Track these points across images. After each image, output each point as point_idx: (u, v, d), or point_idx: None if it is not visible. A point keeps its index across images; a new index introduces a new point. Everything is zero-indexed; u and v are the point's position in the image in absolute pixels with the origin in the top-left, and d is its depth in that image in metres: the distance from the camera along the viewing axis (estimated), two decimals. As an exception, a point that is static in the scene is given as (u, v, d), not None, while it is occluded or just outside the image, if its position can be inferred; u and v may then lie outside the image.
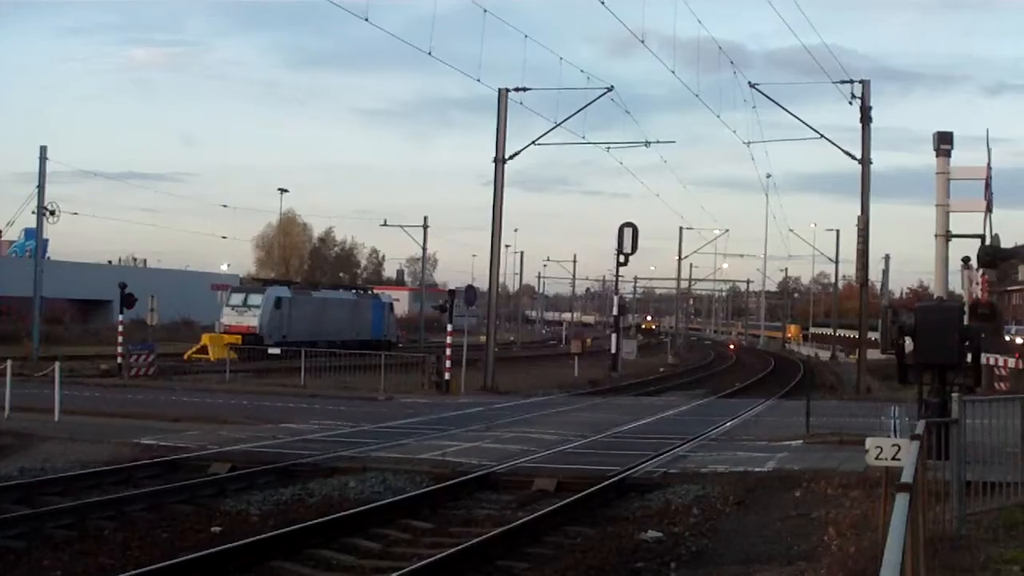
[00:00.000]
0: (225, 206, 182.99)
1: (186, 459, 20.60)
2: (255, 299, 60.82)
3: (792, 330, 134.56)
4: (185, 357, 55.58)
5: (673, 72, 44.18)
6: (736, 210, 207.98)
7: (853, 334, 70.17)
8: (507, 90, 43.43)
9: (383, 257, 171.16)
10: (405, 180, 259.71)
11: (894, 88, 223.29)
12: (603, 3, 33.37)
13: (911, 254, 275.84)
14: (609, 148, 51.18)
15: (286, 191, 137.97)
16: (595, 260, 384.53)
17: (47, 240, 61.18)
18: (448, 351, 41.66)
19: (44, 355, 45.76)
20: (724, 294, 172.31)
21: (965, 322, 20.42)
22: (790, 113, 47.85)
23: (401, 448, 22.39)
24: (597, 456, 21.85)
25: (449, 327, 43.02)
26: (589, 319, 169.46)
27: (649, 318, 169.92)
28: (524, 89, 43.33)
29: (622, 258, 54.27)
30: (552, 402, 37.36)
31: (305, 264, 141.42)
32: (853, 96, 44.34)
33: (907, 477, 8.49)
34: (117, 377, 41.14)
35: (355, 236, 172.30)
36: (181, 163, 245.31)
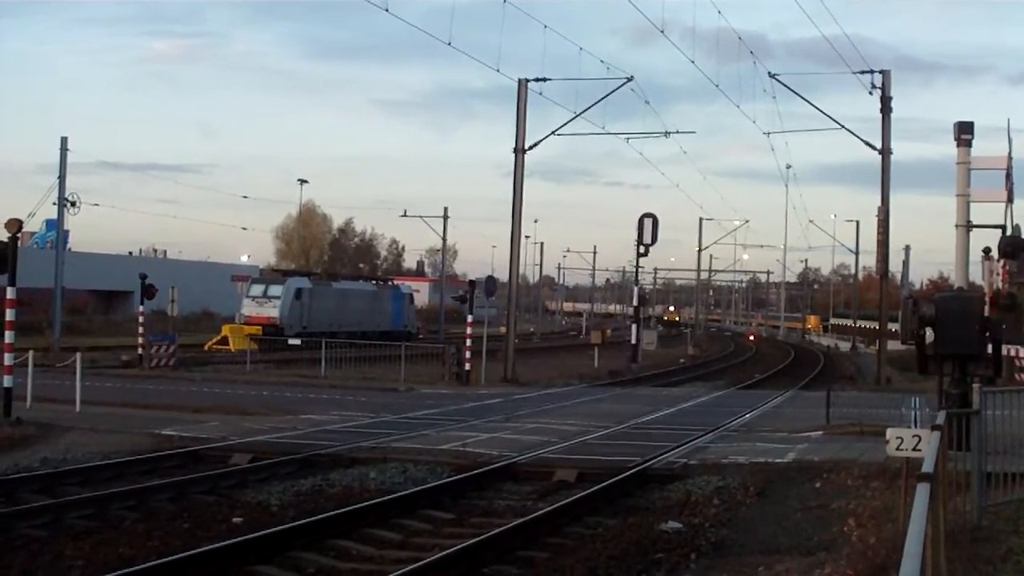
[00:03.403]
0: (245, 197, 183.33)
1: (207, 450, 20.66)
2: (275, 290, 60.94)
3: (812, 321, 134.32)
4: (206, 348, 55.80)
5: (693, 62, 44.36)
6: (756, 201, 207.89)
7: (873, 325, 69.94)
8: (527, 80, 43.40)
9: (403, 248, 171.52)
10: (425, 171, 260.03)
11: (916, 78, 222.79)
12: (623, -7, 33.30)
13: (932, 245, 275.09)
14: (629, 139, 51.33)
15: (306, 182, 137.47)
16: (615, 251, 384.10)
17: (68, 231, 61.50)
18: (468, 342, 41.67)
19: (65, 346, 45.92)
20: (744, 285, 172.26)
21: (986, 312, 20.36)
22: (810, 103, 48.16)
23: (422, 439, 22.43)
24: (617, 447, 21.85)
25: (469, 318, 43.03)
26: (609, 309, 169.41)
27: (672, 309, 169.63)
28: (544, 80, 43.27)
29: (642, 249, 54.30)
30: (572, 393, 37.37)
31: (325, 255, 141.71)
32: (873, 86, 44.22)
33: (928, 467, 8.47)
34: (138, 368, 41.29)
35: (375, 227, 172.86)
36: (201, 154, 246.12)
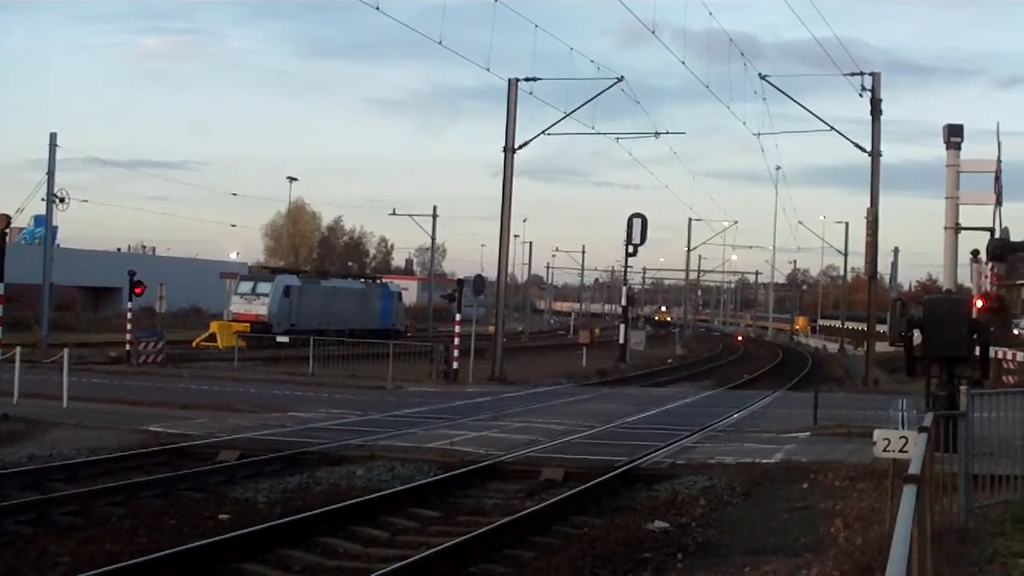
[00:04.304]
0: (235, 194, 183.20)
1: (194, 447, 20.64)
2: (264, 287, 60.85)
3: (800, 322, 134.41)
4: (194, 345, 55.69)
5: (683, 63, 44.06)
6: (745, 202, 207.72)
7: (861, 326, 70.12)
8: (517, 80, 43.38)
9: (392, 246, 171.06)
10: (415, 169, 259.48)
11: (907, 81, 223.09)
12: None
13: (921, 247, 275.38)
14: (619, 139, 51.15)
15: (295, 180, 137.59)
16: (604, 250, 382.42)
17: (57, 227, 61.28)
18: (456, 340, 41.68)
19: (53, 342, 45.85)
20: (733, 286, 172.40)
21: (973, 315, 20.40)
22: (800, 105, 47.93)
23: (409, 437, 22.42)
24: (604, 446, 21.86)
25: (457, 316, 43.04)
26: (598, 309, 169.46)
27: (664, 309, 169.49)
28: (534, 79, 43.25)
29: (631, 249, 54.36)
30: (560, 392, 37.38)
31: (314, 253, 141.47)
32: (863, 88, 44.30)
33: (915, 469, 8.48)
34: (126, 364, 41.24)
35: (364, 225, 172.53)
36: (191, 151, 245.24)
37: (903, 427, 23.17)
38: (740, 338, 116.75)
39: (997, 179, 22.59)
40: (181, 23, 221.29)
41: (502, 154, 43.90)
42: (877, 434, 12.41)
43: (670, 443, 22.34)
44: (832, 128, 46.53)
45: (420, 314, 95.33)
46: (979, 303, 21.16)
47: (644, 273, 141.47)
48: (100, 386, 31.24)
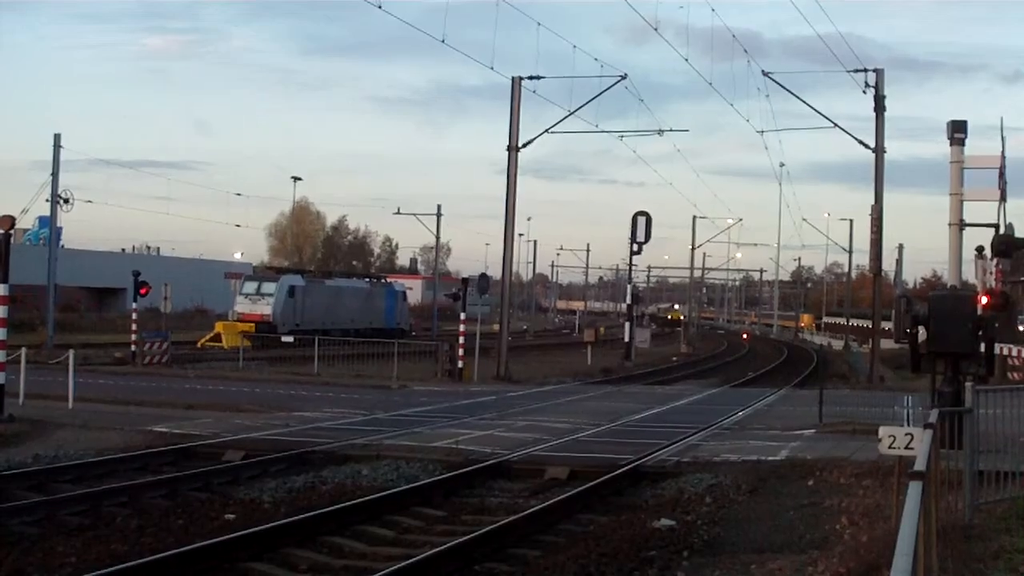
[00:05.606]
0: (239, 194, 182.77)
1: (200, 446, 20.65)
2: (268, 287, 60.90)
3: (805, 319, 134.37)
4: (199, 345, 55.73)
5: (687, 60, 44.21)
6: (750, 199, 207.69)
7: (866, 323, 70.01)
8: (520, 78, 43.37)
9: (396, 245, 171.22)
10: (419, 168, 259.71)
11: (911, 77, 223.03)
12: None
13: (925, 243, 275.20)
14: (623, 136, 51.18)
15: (299, 179, 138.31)
16: (609, 249, 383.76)
17: (61, 228, 61.34)
18: (461, 339, 41.67)
19: (58, 343, 45.88)
20: (737, 283, 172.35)
21: (979, 311, 20.38)
22: (804, 102, 47.70)
23: (414, 436, 22.42)
24: (610, 444, 21.85)
25: (462, 315, 43.04)
26: (603, 307, 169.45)
27: (676, 307, 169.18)
28: (538, 77, 43.25)
29: (636, 247, 54.38)
30: (565, 390, 37.37)
31: (318, 252, 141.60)
32: (867, 85, 44.29)
33: (920, 466, 8.48)
34: (131, 365, 41.28)
35: (368, 224, 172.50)
36: (195, 151, 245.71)
37: (908, 424, 23.16)
38: (746, 336, 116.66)
39: (1001, 175, 22.58)
40: (184, 22, 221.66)
41: (506, 152, 43.92)
42: (883, 431, 12.40)
43: (676, 441, 22.33)
44: (836, 125, 46.67)
45: (425, 313, 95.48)
46: (984, 299, 21.14)
47: (649, 271, 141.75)
48: (105, 387, 31.27)
